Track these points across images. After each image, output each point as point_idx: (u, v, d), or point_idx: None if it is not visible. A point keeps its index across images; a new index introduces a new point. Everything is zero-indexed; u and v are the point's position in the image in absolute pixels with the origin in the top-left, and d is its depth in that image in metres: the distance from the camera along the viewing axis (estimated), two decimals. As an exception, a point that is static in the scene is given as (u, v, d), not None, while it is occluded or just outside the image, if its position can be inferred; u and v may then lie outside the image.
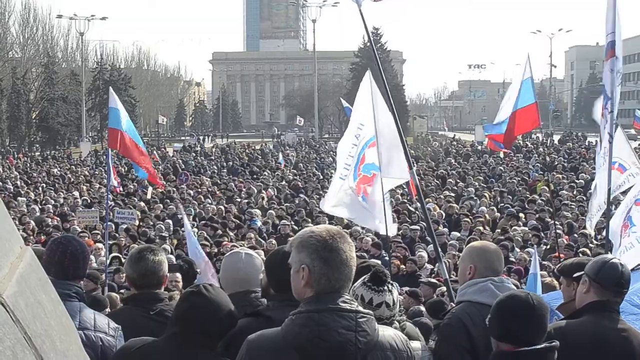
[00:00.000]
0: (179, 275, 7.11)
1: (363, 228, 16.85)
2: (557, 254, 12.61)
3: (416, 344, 3.75)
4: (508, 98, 10.15)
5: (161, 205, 22.54)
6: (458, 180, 27.47)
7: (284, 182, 29.45)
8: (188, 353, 3.30)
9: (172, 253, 13.56)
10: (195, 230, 17.32)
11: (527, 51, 10.36)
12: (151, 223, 19.29)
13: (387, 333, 2.83)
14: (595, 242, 13.88)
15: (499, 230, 16.31)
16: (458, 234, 16.12)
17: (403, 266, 12.85)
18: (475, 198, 22.38)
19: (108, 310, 6.61)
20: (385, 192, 9.18)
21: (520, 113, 9.79)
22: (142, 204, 23.15)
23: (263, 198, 24.29)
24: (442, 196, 22.67)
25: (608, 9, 7.55)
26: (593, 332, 3.74)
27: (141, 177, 13.64)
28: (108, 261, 12.63)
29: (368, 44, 75.84)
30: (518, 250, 14.02)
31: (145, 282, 4.14)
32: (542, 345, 3.31)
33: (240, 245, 13.42)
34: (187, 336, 3.32)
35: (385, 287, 3.79)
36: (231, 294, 4.06)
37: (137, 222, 18.90)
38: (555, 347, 3.33)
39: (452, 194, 23.30)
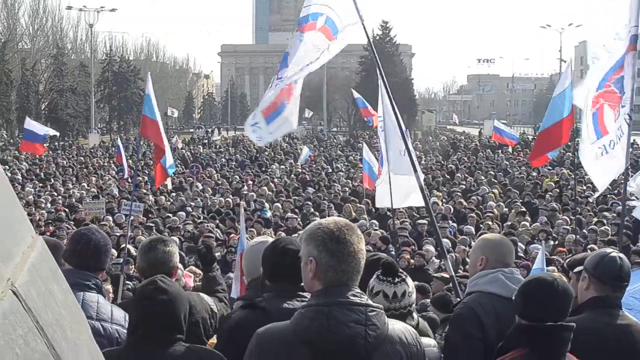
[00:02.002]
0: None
1: (371, 223, 16.91)
2: (563, 249, 12.63)
3: (427, 340, 3.76)
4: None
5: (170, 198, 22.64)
6: (467, 175, 27.45)
7: (292, 175, 29.51)
8: (148, 352, 3.24)
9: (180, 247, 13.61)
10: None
11: (569, 59, 10.52)
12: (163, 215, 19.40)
13: (397, 327, 2.82)
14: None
15: (509, 223, 16.29)
16: (472, 228, 16.09)
17: (412, 260, 12.84)
18: (482, 192, 22.38)
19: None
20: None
21: (556, 126, 9.86)
22: (151, 196, 23.20)
23: (272, 190, 24.32)
24: (455, 189, 22.70)
25: (632, 1, 7.48)
26: (595, 328, 3.74)
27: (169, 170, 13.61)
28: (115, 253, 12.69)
29: (377, 37, 75.85)
30: (522, 245, 14.02)
31: (155, 272, 4.13)
32: (560, 323, 3.35)
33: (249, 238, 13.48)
34: (150, 334, 3.25)
35: (402, 276, 3.81)
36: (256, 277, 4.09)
37: (141, 215, 19.01)
38: (571, 328, 3.38)
39: (461, 188, 23.30)
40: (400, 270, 3.89)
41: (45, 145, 23.99)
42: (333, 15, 7.16)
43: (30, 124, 22.08)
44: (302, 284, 3.43)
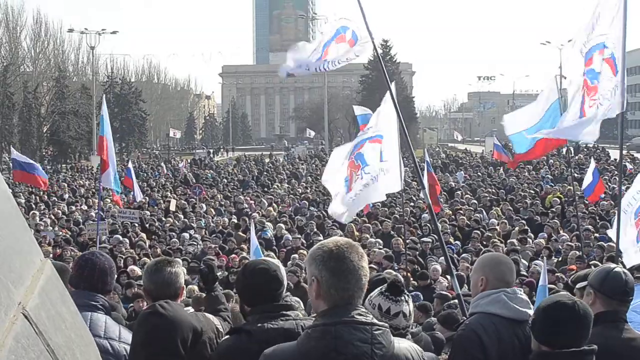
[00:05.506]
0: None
1: (375, 241, 16.87)
2: (573, 267, 12.60)
3: (428, 355, 3.77)
4: (533, 113, 10.67)
5: (170, 219, 22.66)
6: (468, 192, 27.39)
7: (291, 195, 29.52)
8: None
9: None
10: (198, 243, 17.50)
11: (554, 74, 11.01)
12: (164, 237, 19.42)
13: (403, 345, 2.83)
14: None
15: (513, 241, 16.21)
16: (479, 244, 16.04)
17: (413, 281, 12.79)
18: (481, 210, 22.34)
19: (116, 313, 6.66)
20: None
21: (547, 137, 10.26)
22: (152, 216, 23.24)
23: (276, 210, 24.35)
24: (459, 207, 22.62)
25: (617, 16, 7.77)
26: (604, 344, 3.73)
27: (113, 187, 14.75)
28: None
29: (379, 55, 76.08)
30: (525, 262, 13.99)
31: (162, 293, 4.16)
32: (582, 348, 3.35)
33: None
34: (150, 358, 3.26)
35: (403, 297, 3.82)
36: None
37: (138, 222, 19.76)
38: (594, 351, 3.38)
39: (463, 205, 23.25)
40: (406, 292, 3.91)
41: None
42: (354, 28, 7.92)
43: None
44: (282, 302, 3.46)
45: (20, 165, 21.00)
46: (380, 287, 3.86)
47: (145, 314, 3.43)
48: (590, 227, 17.26)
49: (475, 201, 24.41)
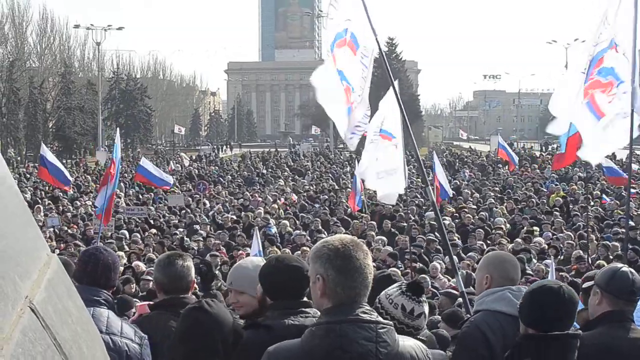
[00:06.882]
0: None
1: (378, 239, 16.90)
2: (573, 266, 12.59)
3: (436, 352, 3.77)
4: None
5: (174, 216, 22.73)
6: (473, 191, 27.37)
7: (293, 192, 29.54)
8: None
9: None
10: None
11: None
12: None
13: (408, 343, 2.82)
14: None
15: (520, 240, 16.19)
16: (483, 243, 16.03)
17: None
18: (490, 209, 22.33)
19: (133, 311, 6.64)
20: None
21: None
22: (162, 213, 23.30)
23: (279, 207, 24.36)
24: (463, 205, 22.61)
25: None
26: (610, 343, 3.75)
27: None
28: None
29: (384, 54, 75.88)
30: (535, 261, 13.99)
31: (175, 286, 4.18)
32: (567, 332, 3.39)
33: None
34: (190, 355, 3.28)
35: (423, 298, 3.82)
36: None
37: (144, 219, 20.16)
38: (578, 335, 3.42)
39: (472, 205, 23.22)
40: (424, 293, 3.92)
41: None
42: (354, 29, 7.62)
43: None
44: (304, 299, 3.44)
45: (45, 164, 21.37)
46: (400, 286, 3.84)
47: (189, 309, 3.42)
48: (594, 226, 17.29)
49: (481, 200, 24.42)
